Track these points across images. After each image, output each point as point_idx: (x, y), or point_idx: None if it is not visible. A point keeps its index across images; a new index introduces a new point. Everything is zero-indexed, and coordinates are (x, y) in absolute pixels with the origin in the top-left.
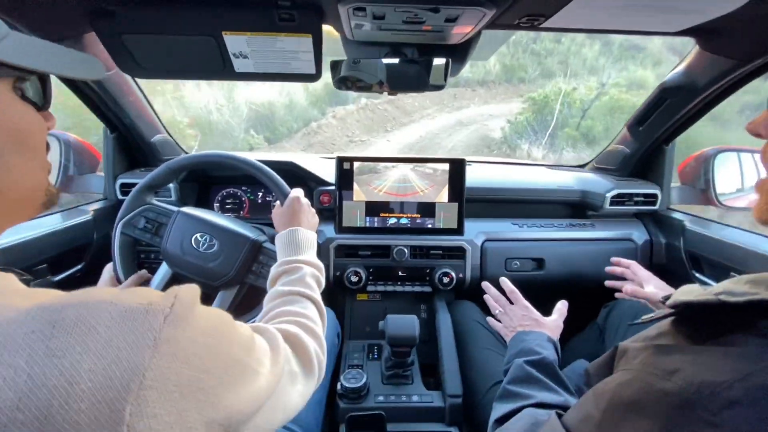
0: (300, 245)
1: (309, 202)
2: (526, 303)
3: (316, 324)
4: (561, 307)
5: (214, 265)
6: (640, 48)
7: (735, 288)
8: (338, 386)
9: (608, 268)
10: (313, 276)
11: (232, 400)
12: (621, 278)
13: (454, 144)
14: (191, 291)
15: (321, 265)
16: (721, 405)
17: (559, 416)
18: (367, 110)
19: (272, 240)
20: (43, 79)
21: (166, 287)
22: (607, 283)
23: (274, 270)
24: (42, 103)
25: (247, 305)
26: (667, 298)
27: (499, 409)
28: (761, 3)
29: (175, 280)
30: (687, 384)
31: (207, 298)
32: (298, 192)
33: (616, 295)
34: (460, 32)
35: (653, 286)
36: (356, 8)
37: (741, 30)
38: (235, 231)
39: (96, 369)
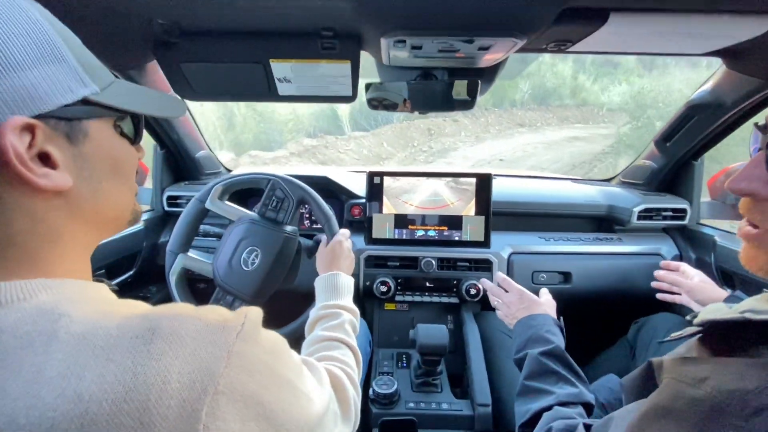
0: (340, 290)
1: (351, 246)
2: (519, 287)
3: (354, 372)
4: (544, 290)
5: (232, 273)
6: (615, 64)
7: (759, 306)
8: (370, 392)
9: (655, 284)
10: (351, 323)
11: (285, 419)
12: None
13: None
14: (257, 313)
15: (357, 310)
16: (751, 411)
17: (587, 428)
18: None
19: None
20: (137, 119)
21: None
22: (659, 296)
23: (314, 313)
24: (135, 139)
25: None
26: (694, 317)
27: (521, 410)
28: None
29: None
30: (717, 392)
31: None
32: (344, 234)
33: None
34: (490, 58)
35: (699, 280)
36: (397, 40)
37: (767, 51)
38: (261, 280)
39: (183, 372)
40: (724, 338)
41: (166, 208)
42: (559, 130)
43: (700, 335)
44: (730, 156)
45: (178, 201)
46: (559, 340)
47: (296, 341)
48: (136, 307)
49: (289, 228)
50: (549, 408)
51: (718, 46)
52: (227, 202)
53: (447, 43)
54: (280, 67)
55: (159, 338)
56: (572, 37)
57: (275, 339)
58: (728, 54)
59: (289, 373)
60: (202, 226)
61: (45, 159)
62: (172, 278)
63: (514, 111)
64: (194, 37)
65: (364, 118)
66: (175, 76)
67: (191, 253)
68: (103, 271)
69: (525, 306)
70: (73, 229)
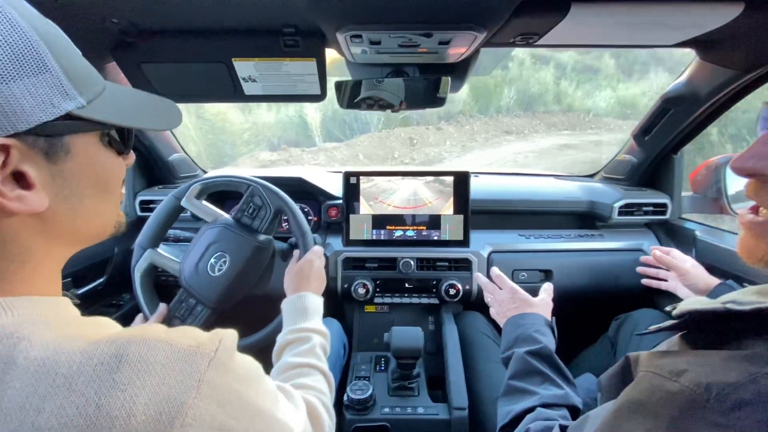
0: (308, 312)
1: (323, 264)
2: (513, 285)
3: (327, 398)
4: (547, 287)
5: (198, 276)
6: (595, 69)
7: (742, 298)
8: (344, 397)
9: (641, 269)
10: (322, 346)
11: None
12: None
13: None
14: (232, 338)
15: (327, 332)
16: (730, 406)
17: (563, 429)
18: None
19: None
20: (127, 129)
21: None
22: (645, 281)
23: (281, 338)
24: (124, 150)
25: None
26: (674, 308)
27: (503, 411)
28: (754, 14)
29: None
30: (694, 385)
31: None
32: (316, 253)
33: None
34: (455, 53)
35: (691, 265)
36: (353, 35)
37: (739, 41)
38: (226, 287)
39: (150, 403)
40: (705, 331)
41: (139, 213)
42: (547, 138)
43: (682, 332)
44: None
45: (151, 206)
46: (548, 341)
47: (264, 351)
48: (104, 327)
49: (262, 237)
50: (531, 409)
51: (687, 36)
52: (204, 202)
53: (405, 37)
54: (243, 66)
55: (126, 366)
56: (537, 30)
57: (249, 365)
58: (700, 45)
59: (262, 402)
60: (172, 231)
61: (20, 177)
62: (137, 274)
63: (500, 118)
64: (152, 36)
65: (338, 127)
66: (136, 77)
67: (161, 249)
68: (69, 279)
69: (516, 305)
70: (46, 248)
